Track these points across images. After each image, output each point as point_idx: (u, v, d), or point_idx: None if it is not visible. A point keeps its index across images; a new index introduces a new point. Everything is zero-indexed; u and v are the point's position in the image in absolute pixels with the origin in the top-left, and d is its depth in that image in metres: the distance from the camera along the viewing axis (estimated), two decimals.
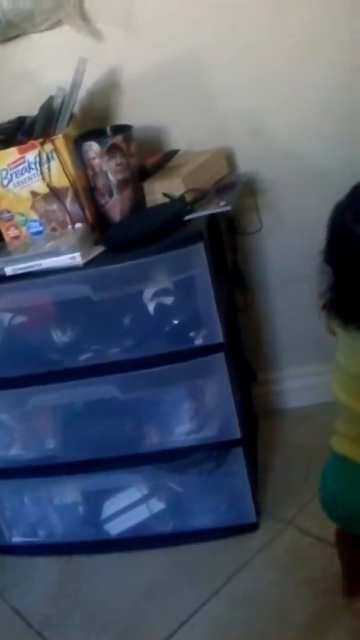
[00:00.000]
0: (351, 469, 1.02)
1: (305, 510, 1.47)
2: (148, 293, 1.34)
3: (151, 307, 1.34)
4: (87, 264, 1.26)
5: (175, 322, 1.35)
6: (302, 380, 1.84)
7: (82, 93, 1.47)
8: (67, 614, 1.42)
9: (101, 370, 1.37)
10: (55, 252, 1.27)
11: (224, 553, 1.44)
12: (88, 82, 1.51)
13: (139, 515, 1.54)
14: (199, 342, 1.34)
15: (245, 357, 1.78)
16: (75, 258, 1.26)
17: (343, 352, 1.04)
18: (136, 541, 1.53)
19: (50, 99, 1.41)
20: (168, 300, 1.34)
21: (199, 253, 1.27)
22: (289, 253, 1.71)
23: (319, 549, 1.36)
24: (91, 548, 1.56)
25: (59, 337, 1.38)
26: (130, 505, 1.55)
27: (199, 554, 1.46)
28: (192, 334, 1.34)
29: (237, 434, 1.40)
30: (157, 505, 1.54)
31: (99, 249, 1.31)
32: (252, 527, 1.47)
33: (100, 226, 1.41)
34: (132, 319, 1.37)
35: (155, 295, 1.34)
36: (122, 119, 1.58)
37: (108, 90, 1.61)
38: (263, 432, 1.79)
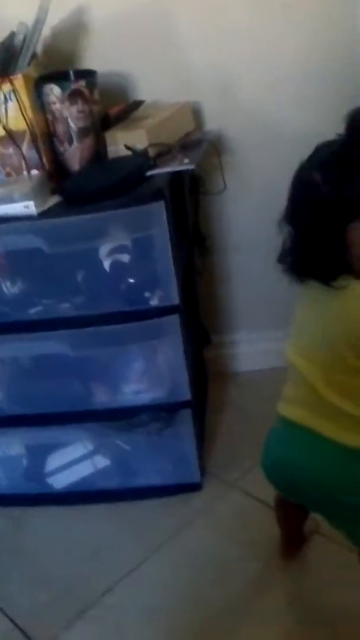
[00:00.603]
0: (298, 434, 1.01)
1: (250, 474, 1.49)
2: (104, 249, 1.30)
3: (107, 264, 1.30)
4: (42, 215, 1.21)
5: (131, 281, 1.32)
6: (255, 345, 1.85)
7: (45, 31, 1.39)
8: (6, 568, 1.41)
9: (51, 325, 1.33)
10: (8, 199, 1.21)
11: (168, 512, 1.45)
12: (53, 20, 1.43)
13: (83, 470, 1.54)
14: (154, 303, 1.32)
15: (201, 320, 1.77)
16: (28, 207, 1.20)
17: (301, 315, 1.03)
18: (80, 496, 1.53)
19: (12, 35, 1.32)
20: (125, 258, 1.31)
21: (159, 211, 1.23)
22: (251, 216, 1.69)
23: (262, 512, 1.38)
24: (34, 501, 1.55)
25: (8, 288, 1.34)
26: (75, 460, 1.54)
27: (142, 512, 1.46)
28: (147, 294, 1.32)
29: (186, 396, 1.40)
30: (103, 462, 1.54)
31: (55, 199, 1.26)
32: (196, 487, 1.48)
33: (57, 175, 1.34)
34: (86, 275, 1.34)
35: (112, 252, 1.30)
36: (87, 63, 1.50)
37: (74, 30, 1.52)
38: (213, 394, 1.80)
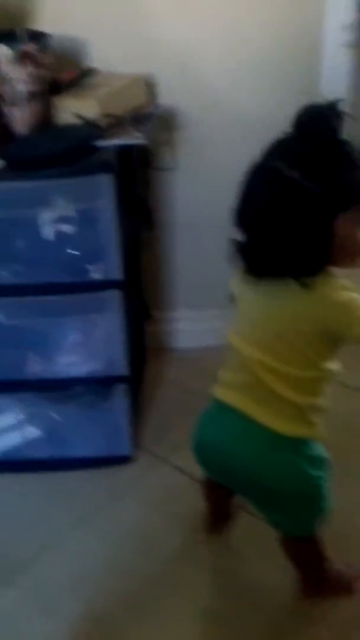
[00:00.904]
0: (230, 418, 1.03)
1: (182, 449, 1.48)
2: (47, 218, 1.28)
3: (49, 234, 1.28)
4: None
5: (74, 252, 1.30)
6: (195, 322, 1.86)
7: None
8: None
9: None
10: None
11: (98, 484, 1.46)
12: None
13: (14, 439, 1.53)
14: (96, 276, 1.31)
15: (142, 295, 1.77)
16: None
17: (247, 300, 1.04)
18: (10, 465, 1.52)
19: None
20: (68, 228, 1.29)
21: (106, 184, 1.22)
22: (199, 195, 1.70)
23: (190, 487, 1.40)
24: None
25: None
26: (5, 428, 1.53)
27: (72, 483, 1.47)
28: (89, 267, 1.31)
29: (122, 370, 1.40)
30: (35, 432, 1.53)
31: None
32: (127, 460, 1.50)
33: (2, 138, 1.31)
34: (27, 243, 1.31)
35: (55, 221, 1.28)
36: (39, 24, 1.45)
37: None
38: (151, 369, 1.81)
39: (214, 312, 1.84)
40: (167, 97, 1.57)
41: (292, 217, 0.91)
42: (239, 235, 0.97)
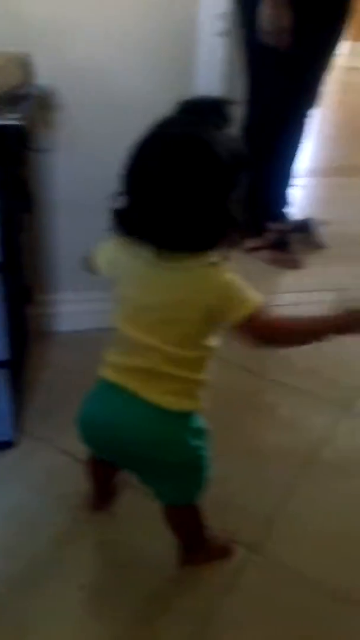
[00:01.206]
0: (118, 395, 1.06)
1: (66, 431, 1.49)
2: None
3: None
4: None
5: None
6: (78, 305, 1.87)
7: None
8: None
9: None
10: None
11: None
12: None
13: None
14: None
15: (24, 277, 1.74)
16: None
17: (133, 284, 1.04)
18: None
19: None
20: None
21: None
22: (79, 176, 1.69)
23: (73, 467, 1.42)
24: None
25: None
26: None
27: None
28: None
29: (2, 355, 1.39)
30: None
31: None
32: (9, 445, 1.49)
33: None
34: None
35: None
36: None
37: None
38: (34, 353, 1.80)
39: (97, 294, 1.85)
40: (43, 77, 1.55)
41: (201, 184, 0.91)
42: (126, 204, 0.96)
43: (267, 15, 1.92)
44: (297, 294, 2.12)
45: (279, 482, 1.44)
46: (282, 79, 2.09)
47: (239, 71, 2.15)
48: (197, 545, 1.25)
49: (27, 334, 1.81)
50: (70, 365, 1.74)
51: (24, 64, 1.49)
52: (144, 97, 1.62)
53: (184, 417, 1.06)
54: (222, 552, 1.27)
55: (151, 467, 1.10)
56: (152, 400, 1.03)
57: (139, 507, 1.31)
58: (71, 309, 1.87)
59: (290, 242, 2.40)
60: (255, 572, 1.24)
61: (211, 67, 1.62)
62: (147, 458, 1.08)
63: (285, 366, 1.78)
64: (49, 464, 1.46)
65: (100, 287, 1.86)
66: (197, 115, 0.95)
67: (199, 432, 1.09)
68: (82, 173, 1.68)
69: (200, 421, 1.10)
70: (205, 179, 0.91)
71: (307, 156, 2.95)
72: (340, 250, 2.42)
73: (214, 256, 0.97)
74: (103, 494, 1.35)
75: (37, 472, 1.44)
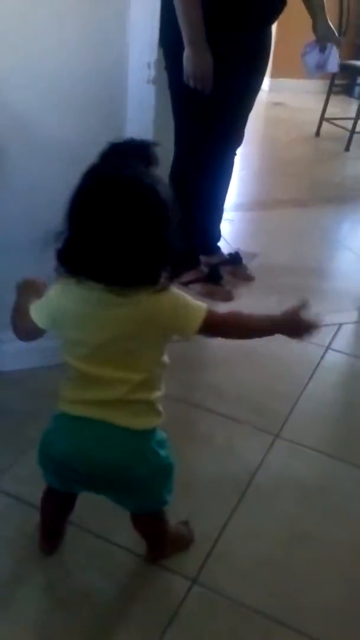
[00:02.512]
0: (88, 427, 1.11)
1: (6, 474, 1.53)
2: None
3: None
4: None
5: None
6: (18, 344, 1.85)
7: None
8: None
9: None
10: None
11: None
12: None
13: None
14: None
15: None
16: None
17: (84, 328, 1.08)
18: None
19: None
20: None
21: None
22: (12, 220, 1.71)
23: (17, 510, 1.43)
24: None
25: None
26: None
27: None
28: None
29: None
30: None
31: None
32: None
33: None
34: None
35: None
36: None
37: None
38: None
39: None
40: None
41: (146, 222, 0.98)
42: (71, 243, 1.00)
43: (189, 60, 2.02)
44: None
45: (215, 512, 1.49)
46: (207, 120, 2.19)
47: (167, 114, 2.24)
48: (164, 543, 1.34)
49: None
50: (13, 405, 1.74)
51: None
52: (77, 140, 1.67)
53: (152, 432, 1.14)
54: (183, 542, 1.38)
55: (128, 486, 1.16)
56: (124, 425, 1.10)
57: (84, 544, 1.34)
58: (11, 347, 1.87)
59: (222, 275, 2.49)
60: (195, 601, 1.28)
61: (141, 112, 1.69)
62: (125, 478, 1.14)
63: (217, 394, 1.85)
64: None
65: None
66: (127, 157, 1.02)
67: (163, 442, 1.17)
68: (13, 216, 1.71)
69: (160, 431, 1.17)
70: (150, 216, 0.98)
71: (234, 191, 3.06)
72: (269, 281, 2.52)
73: (156, 286, 1.03)
74: (55, 533, 1.36)
75: None
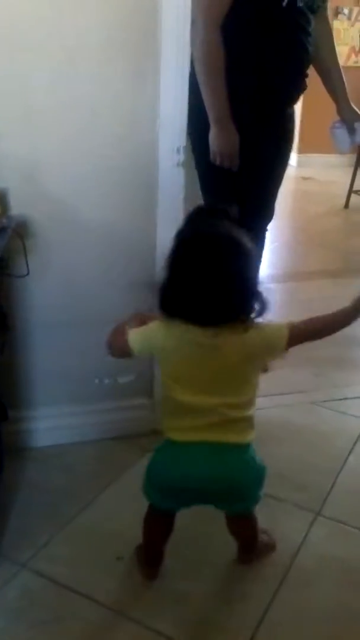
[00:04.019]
0: (208, 448, 1.27)
1: (41, 553, 1.51)
2: None
3: None
4: None
5: None
6: (53, 420, 1.89)
7: None
8: None
9: None
10: None
11: None
12: None
13: None
14: None
15: None
16: None
17: (189, 366, 1.25)
18: None
19: None
20: None
21: None
22: (52, 297, 1.77)
23: (52, 591, 1.41)
24: None
25: None
26: None
27: None
28: None
29: None
30: None
31: None
32: None
33: None
34: None
35: None
36: None
37: None
38: (9, 471, 1.78)
39: (71, 408, 1.90)
40: (17, 206, 1.66)
41: (240, 271, 1.19)
42: (172, 291, 1.19)
43: (216, 138, 2.09)
44: (268, 397, 2.18)
45: (257, 596, 1.44)
46: (236, 198, 2.24)
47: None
48: (256, 542, 1.50)
49: (2, 452, 1.82)
50: (45, 482, 1.74)
51: (1, 198, 1.60)
52: (111, 223, 1.74)
53: (250, 445, 1.32)
54: (269, 547, 1.54)
55: (238, 493, 1.34)
56: (234, 441, 1.28)
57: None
58: (46, 424, 1.89)
59: None
60: None
61: (172, 193, 1.76)
62: (236, 486, 1.32)
63: None
64: (27, 588, 1.43)
65: (73, 401, 1.92)
66: (211, 217, 1.24)
67: (255, 452, 1.34)
68: (57, 295, 1.76)
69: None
70: (240, 265, 1.19)
71: (265, 263, 3.10)
72: (304, 353, 2.50)
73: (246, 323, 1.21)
74: (157, 557, 1.46)
75: (15, 598, 1.40)
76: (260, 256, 2.53)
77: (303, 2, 1.99)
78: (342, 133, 2.48)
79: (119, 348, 1.32)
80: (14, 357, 1.83)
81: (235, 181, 2.18)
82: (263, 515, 1.67)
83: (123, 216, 1.76)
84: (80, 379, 1.89)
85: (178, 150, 1.72)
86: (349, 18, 5.96)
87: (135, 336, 1.28)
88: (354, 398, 2.23)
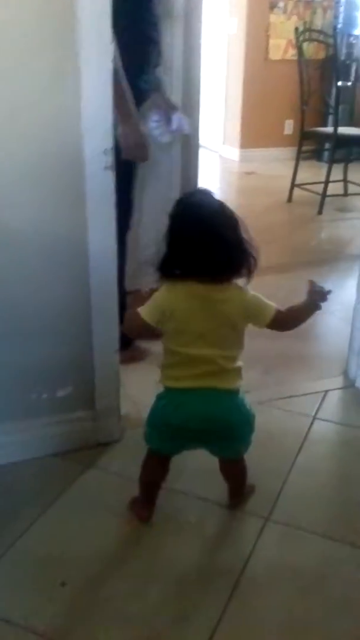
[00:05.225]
0: (204, 393, 1.45)
1: None
2: None
3: None
4: None
5: None
6: None
7: None
8: None
9: None
10: None
11: None
12: None
13: None
14: None
15: None
16: None
17: (191, 320, 1.41)
18: None
19: None
20: None
21: None
22: None
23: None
24: None
25: None
26: None
27: None
28: None
29: None
30: None
31: None
32: None
33: None
34: None
35: None
36: None
37: None
38: None
39: (6, 426, 1.81)
40: None
41: (232, 231, 1.38)
42: (174, 255, 1.39)
43: (124, 133, 2.03)
44: None
45: (207, 608, 1.40)
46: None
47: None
48: (244, 486, 1.68)
49: None
50: None
51: None
52: (39, 230, 1.66)
53: (239, 391, 1.50)
54: (251, 490, 1.71)
55: (229, 433, 1.51)
56: (225, 387, 1.46)
57: None
58: None
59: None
60: None
61: (102, 199, 1.68)
62: (227, 427, 1.49)
63: (204, 480, 1.75)
64: None
65: (10, 418, 1.83)
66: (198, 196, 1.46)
67: (245, 399, 1.52)
68: None
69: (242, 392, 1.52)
70: (227, 225, 1.38)
71: None
72: (252, 351, 2.47)
73: (239, 283, 1.42)
74: (153, 498, 1.63)
75: None
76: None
77: None
78: (159, 125, 2.48)
79: (137, 331, 1.54)
80: None
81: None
82: (211, 523, 1.64)
83: (51, 222, 1.68)
84: (16, 395, 1.81)
85: (105, 152, 1.65)
86: (284, 12, 5.96)
87: (147, 310, 1.42)
88: (301, 395, 2.21)
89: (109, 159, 1.66)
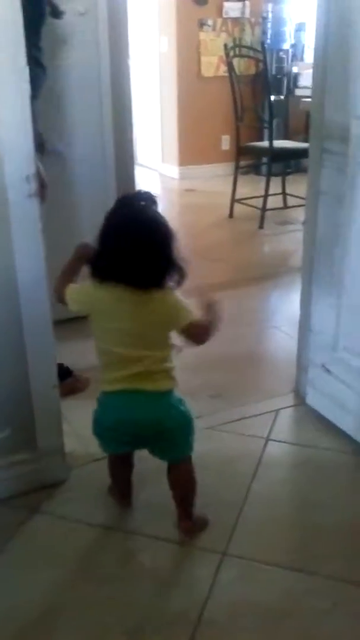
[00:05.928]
0: (131, 397, 1.47)
1: None
2: None
3: None
4: None
5: None
6: None
7: None
8: None
9: None
10: None
11: None
12: None
13: None
14: None
15: None
16: None
17: (118, 319, 1.43)
18: None
19: None
20: None
21: None
22: None
23: None
24: None
25: None
26: None
27: None
28: None
29: None
30: None
31: None
32: None
33: None
34: None
35: None
36: None
37: None
38: None
39: None
40: None
41: (162, 244, 1.40)
42: (105, 259, 1.41)
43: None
44: None
45: None
46: None
47: None
48: (193, 499, 1.61)
49: None
50: None
51: None
52: None
53: (170, 393, 1.51)
54: (204, 522, 1.64)
55: (162, 436, 1.50)
56: (152, 389, 1.46)
57: None
58: None
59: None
60: None
61: (28, 228, 1.59)
62: (159, 430, 1.49)
63: (155, 515, 1.66)
64: None
65: None
66: (137, 201, 1.47)
67: (181, 401, 1.53)
68: None
69: (178, 394, 1.53)
70: (160, 241, 1.40)
71: None
72: (195, 378, 2.41)
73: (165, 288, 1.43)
74: (127, 488, 1.69)
75: None
76: None
77: None
78: None
79: (57, 295, 1.51)
80: None
81: None
82: (165, 565, 1.55)
83: None
84: None
85: (27, 179, 1.56)
86: (213, 29, 6.00)
87: (73, 294, 1.48)
88: (252, 417, 2.14)
89: (32, 187, 1.56)
